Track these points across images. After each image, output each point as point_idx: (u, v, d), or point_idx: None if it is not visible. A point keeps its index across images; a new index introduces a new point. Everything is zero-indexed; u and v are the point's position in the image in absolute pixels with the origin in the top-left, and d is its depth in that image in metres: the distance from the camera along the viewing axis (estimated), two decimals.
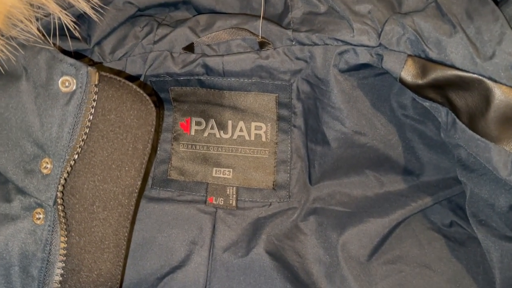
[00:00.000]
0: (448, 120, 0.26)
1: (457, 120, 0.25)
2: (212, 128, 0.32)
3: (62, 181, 0.22)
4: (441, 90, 0.25)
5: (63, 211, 0.22)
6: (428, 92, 0.26)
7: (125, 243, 0.24)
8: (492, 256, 0.27)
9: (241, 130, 0.31)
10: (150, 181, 0.31)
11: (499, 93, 0.23)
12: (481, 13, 0.24)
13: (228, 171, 0.31)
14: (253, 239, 0.29)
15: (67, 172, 0.22)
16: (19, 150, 0.23)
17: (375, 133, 0.30)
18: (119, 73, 0.29)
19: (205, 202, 0.30)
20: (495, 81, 0.23)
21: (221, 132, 0.32)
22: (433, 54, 0.25)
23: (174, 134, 0.32)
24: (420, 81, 0.25)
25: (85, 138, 0.23)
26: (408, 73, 0.26)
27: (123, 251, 0.24)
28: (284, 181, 0.31)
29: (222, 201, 0.30)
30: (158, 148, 0.32)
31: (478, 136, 0.24)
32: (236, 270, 0.28)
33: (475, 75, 0.24)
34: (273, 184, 0.31)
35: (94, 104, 0.23)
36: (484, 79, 0.23)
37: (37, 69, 0.23)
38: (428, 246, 0.30)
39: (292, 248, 0.29)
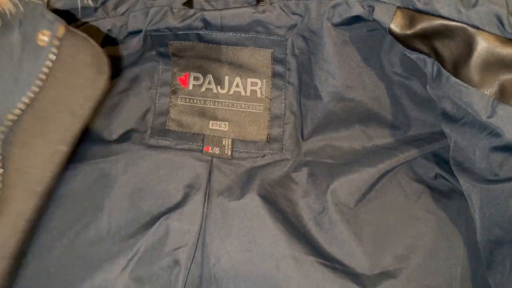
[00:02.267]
0: (434, 70, 0.27)
1: (442, 69, 0.27)
2: (209, 83, 0.33)
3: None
4: (427, 40, 0.27)
5: None
6: (415, 43, 0.27)
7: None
8: (473, 201, 0.28)
9: (237, 85, 0.33)
10: (148, 131, 0.33)
11: (481, 40, 0.25)
12: None
13: (224, 124, 0.33)
14: (247, 184, 0.31)
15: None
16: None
17: (364, 88, 0.32)
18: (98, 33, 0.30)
19: (201, 151, 0.32)
20: (478, 28, 0.25)
21: (218, 87, 0.33)
22: (420, 5, 0.26)
23: (173, 88, 0.33)
24: (408, 32, 0.27)
25: (40, 85, 0.24)
26: (397, 24, 0.27)
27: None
28: (278, 135, 0.33)
29: (217, 151, 0.32)
30: (157, 101, 0.33)
31: (461, 82, 0.26)
32: (230, 212, 0.29)
33: (459, 23, 0.25)
34: (267, 137, 0.33)
35: (54, 56, 0.24)
36: (468, 27, 0.25)
37: (27, 23, 0.24)
38: (413, 196, 0.32)
39: (283, 195, 0.31)
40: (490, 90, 0.25)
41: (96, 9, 0.30)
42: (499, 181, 0.26)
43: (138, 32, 0.31)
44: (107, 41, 0.31)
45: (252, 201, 0.29)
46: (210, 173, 0.31)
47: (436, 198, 0.32)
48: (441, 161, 0.33)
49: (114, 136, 0.33)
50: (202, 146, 0.32)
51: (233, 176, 0.31)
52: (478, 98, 0.25)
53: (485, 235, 0.28)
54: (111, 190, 0.29)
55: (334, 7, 0.28)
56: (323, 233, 0.30)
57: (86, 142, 0.32)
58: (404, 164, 0.33)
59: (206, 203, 0.30)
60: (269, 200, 0.30)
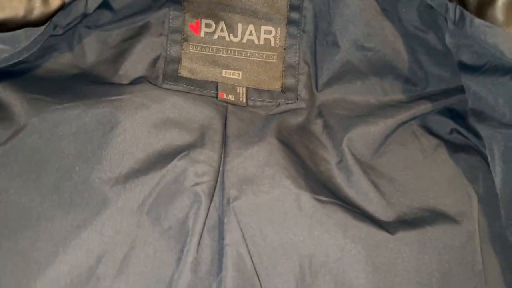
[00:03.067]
0: (456, 15, 0.27)
1: (465, 12, 0.26)
2: (222, 30, 0.32)
3: None
4: None
5: None
6: None
7: None
8: (495, 151, 0.28)
9: (250, 34, 0.32)
10: (160, 77, 0.32)
11: None
12: None
13: (237, 73, 0.32)
14: (263, 130, 0.30)
15: None
16: None
17: (384, 38, 0.31)
18: None
19: (216, 97, 0.31)
20: None
21: (231, 35, 0.32)
22: None
23: (184, 35, 0.32)
24: None
25: None
26: None
27: None
28: (292, 85, 0.32)
29: (232, 97, 0.31)
30: (168, 48, 0.32)
31: (486, 23, 0.25)
32: (248, 155, 0.28)
33: None
34: (282, 87, 0.32)
35: None
36: None
37: None
38: (429, 149, 0.31)
39: (301, 143, 0.30)
40: None
41: None
42: None
43: None
44: None
45: (270, 145, 0.29)
46: (226, 117, 0.30)
47: (452, 151, 0.31)
48: (456, 116, 0.32)
49: (125, 82, 0.32)
50: (217, 93, 0.31)
51: (249, 122, 0.30)
52: (503, 38, 0.25)
53: (505, 185, 0.28)
54: (122, 128, 0.28)
55: None
56: (341, 180, 0.29)
57: (94, 83, 0.31)
58: (419, 118, 0.32)
59: (223, 145, 0.29)
60: (287, 145, 0.29)
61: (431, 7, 0.29)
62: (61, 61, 0.33)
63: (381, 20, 0.30)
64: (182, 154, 0.27)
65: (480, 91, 0.28)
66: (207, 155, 0.28)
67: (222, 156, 0.28)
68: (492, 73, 0.27)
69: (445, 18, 0.28)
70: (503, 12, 0.25)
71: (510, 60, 0.24)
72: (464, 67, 0.29)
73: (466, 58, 0.29)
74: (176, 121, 0.29)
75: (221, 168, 0.28)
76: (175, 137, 0.28)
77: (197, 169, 0.27)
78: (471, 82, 0.29)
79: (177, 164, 0.27)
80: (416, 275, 0.27)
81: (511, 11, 0.25)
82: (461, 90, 0.32)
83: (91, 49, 0.33)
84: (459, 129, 0.32)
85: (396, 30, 0.31)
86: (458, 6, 0.27)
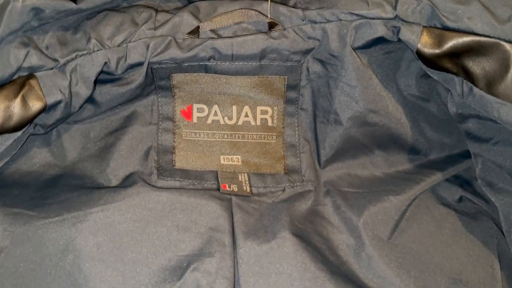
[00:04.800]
0: (464, 89, 0.26)
1: (474, 88, 0.26)
2: (215, 114, 0.30)
3: None
4: (457, 59, 0.26)
5: None
6: (444, 62, 0.26)
7: None
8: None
9: (246, 115, 0.30)
10: (155, 172, 0.29)
11: None
12: None
13: (236, 158, 0.30)
14: (274, 223, 0.28)
15: None
16: None
17: (387, 111, 0.30)
18: None
19: (218, 189, 0.29)
20: None
21: (225, 118, 0.30)
22: (450, 23, 0.25)
23: (175, 123, 0.30)
24: (437, 50, 0.26)
25: None
26: (425, 43, 0.26)
27: None
28: (295, 165, 0.31)
29: (236, 188, 0.29)
30: (159, 138, 0.30)
31: (498, 100, 0.25)
32: (264, 256, 0.26)
33: (493, 39, 0.24)
34: (284, 169, 0.30)
35: None
36: (503, 42, 0.24)
37: None
38: (443, 222, 0.30)
39: (315, 231, 0.28)
40: None
41: (88, 39, 0.26)
42: None
43: (139, 65, 0.27)
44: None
45: (286, 241, 0.26)
46: (232, 213, 0.28)
47: (465, 221, 0.30)
48: (464, 182, 0.32)
49: (114, 182, 0.29)
50: (218, 184, 0.29)
51: (257, 215, 0.28)
52: None
53: None
54: (116, 242, 0.25)
55: (356, 28, 0.27)
56: (363, 269, 0.27)
57: (79, 188, 0.28)
58: (428, 189, 0.31)
59: (234, 247, 0.26)
60: (303, 238, 0.27)
61: (429, 75, 0.28)
62: (38, 162, 0.30)
63: (382, 94, 0.30)
64: (192, 267, 0.25)
65: (492, 161, 0.28)
66: (219, 266, 0.25)
67: (236, 263, 0.26)
68: (504, 145, 0.26)
69: (449, 90, 0.28)
70: None
71: None
72: (471, 136, 0.29)
73: (473, 128, 0.28)
74: (180, 227, 0.26)
75: (236, 276, 0.25)
76: (181, 246, 0.25)
77: (211, 283, 0.24)
78: (481, 151, 0.28)
79: (189, 279, 0.24)
80: None
81: None
82: (464, 155, 0.32)
83: (71, 146, 0.30)
84: (467, 196, 0.31)
85: (397, 101, 0.30)
86: (465, 81, 0.26)
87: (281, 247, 0.26)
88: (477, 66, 0.25)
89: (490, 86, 0.25)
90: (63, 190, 0.28)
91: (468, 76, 0.26)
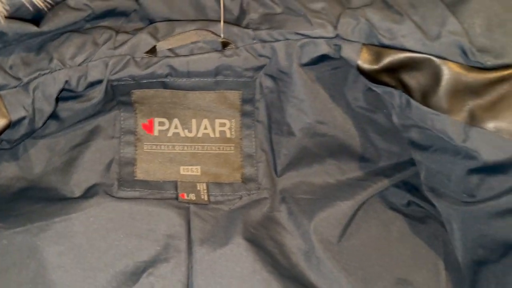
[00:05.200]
0: (402, 101, 0.28)
1: (411, 100, 0.28)
2: (176, 127, 0.32)
3: None
4: (394, 74, 0.28)
5: None
6: (383, 77, 0.28)
7: None
8: (453, 225, 0.29)
9: (205, 128, 0.32)
10: (116, 183, 0.31)
11: (447, 69, 0.26)
12: (423, 2, 0.27)
13: (195, 168, 0.32)
14: (229, 229, 0.29)
15: None
16: None
17: (335, 123, 0.32)
18: None
19: (176, 198, 0.30)
20: (443, 58, 0.26)
21: (186, 130, 0.32)
22: (386, 40, 0.27)
23: (137, 136, 0.32)
24: (376, 66, 0.28)
25: None
26: (364, 60, 0.28)
27: None
28: (252, 174, 0.32)
29: (194, 197, 0.30)
30: (121, 151, 0.31)
31: (432, 111, 0.27)
32: (217, 261, 0.28)
33: (425, 55, 0.26)
34: (242, 178, 0.32)
35: None
36: (433, 57, 0.26)
37: None
38: (391, 225, 0.32)
39: (268, 236, 0.30)
40: (461, 115, 0.26)
41: (50, 59, 0.28)
42: (478, 202, 0.27)
43: (98, 82, 0.29)
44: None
45: (239, 246, 0.28)
46: (189, 221, 0.29)
47: (412, 224, 0.32)
48: (412, 188, 0.34)
49: (77, 193, 0.30)
50: (177, 194, 0.31)
51: (214, 222, 0.30)
52: (450, 124, 0.26)
53: (468, 256, 0.29)
54: (79, 250, 0.26)
55: (301, 46, 0.29)
56: (313, 271, 0.29)
57: (44, 200, 0.29)
58: (377, 195, 0.33)
59: (189, 254, 0.28)
60: (256, 243, 0.29)
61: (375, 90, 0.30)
62: (5, 175, 0.31)
63: (331, 107, 0.32)
64: (148, 271, 0.26)
65: (432, 168, 0.30)
66: (175, 270, 0.27)
67: (190, 268, 0.27)
68: (442, 152, 0.28)
69: (392, 103, 0.30)
70: (446, 100, 0.26)
71: (459, 145, 0.26)
72: (414, 145, 0.31)
73: (415, 137, 0.30)
74: (137, 235, 0.28)
75: (189, 281, 0.27)
76: (138, 253, 0.27)
77: (165, 287, 0.26)
78: (422, 159, 0.30)
79: (144, 284, 0.26)
80: None
81: (453, 98, 0.26)
82: (412, 163, 0.34)
83: (38, 159, 0.31)
84: (415, 200, 0.33)
85: (345, 113, 0.32)
86: (403, 94, 0.28)
87: (233, 252, 0.28)
88: (412, 80, 0.27)
89: (425, 98, 0.27)
90: (29, 202, 0.29)
91: (406, 89, 0.28)
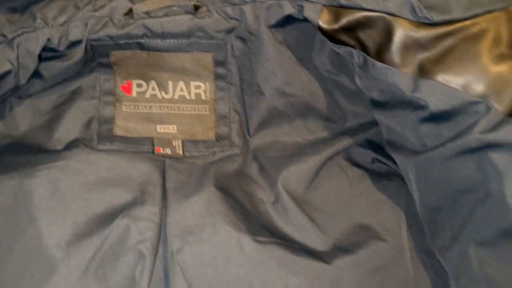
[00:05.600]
0: (360, 60, 0.31)
1: (367, 57, 0.30)
2: (153, 89, 0.34)
3: None
4: (352, 33, 0.30)
5: None
6: (342, 36, 0.30)
7: None
8: (409, 174, 0.31)
9: (181, 90, 0.34)
10: (95, 138, 0.33)
11: (398, 26, 0.28)
12: None
13: (172, 127, 0.34)
14: (202, 179, 0.31)
15: None
16: None
17: (302, 84, 0.34)
18: None
19: (153, 152, 0.32)
20: (394, 15, 0.28)
21: (162, 92, 0.34)
22: (344, 1, 0.29)
23: (116, 96, 0.34)
24: (335, 26, 0.30)
25: None
26: (324, 20, 0.30)
27: None
28: (226, 133, 0.34)
29: (169, 151, 0.32)
30: (101, 110, 0.34)
31: (385, 65, 0.29)
32: (189, 206, 0.30)
33: (378, 13, 0.29)
34: (216, 136, 0.34)
35: None
36: (386, 15, 0.28)
37: None
38: (356, 180, 0.34)
39: (239, 188, 0.32)
40: (411, 68, 0.28)
41: (34, 19, 0.30)
42: (429, 150, 0.29)
43: (79, 42, 0.31)
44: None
45: (209, 193, 0.30)
46: (164, 172, 0.31)
47: (376, 179, 0.34)
48: (376, 147, 0.36)
49: (59, 147, 0.32)
50: (153, 148, 0.33)
51: (187, 173, 0.32)
52: (401, 77, 0.28)
53: (423, 205, 0.31)
54: (60, 195, 0.29)
55: (268, 8, 0.31)
56: (280, 218, 0.31)
57: (28, 152, 0.31)
58: (343, 153, 0.35)
59: (164, 199, 0.30)
60: (226, 192, 0.31)
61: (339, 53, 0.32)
62: None
63: (298, 69, 0.34)
64: (123, 213, 0.28)
65: (390, 123, 0.32)
66: (149, 211, 0.29)
67: (163, 210, 0.29)
68: (397, 107, 0.31)
69: (352, 63, 0.32)
70: (398, 55, 0.28)
71: (409, 96, 0.28)
72: (375, 103, 0.33)
73: (375, 95, 0.32)
74: (114, 182, 0.30)
75: (162, 222, 0.29)
76: (115, 197, 0.29)
77: (139, 227, 0.28)
78: (381, 116, 0.32)
79: (119, 224, 0.28)
80: None
81: (404, 53, 0.28)
82: (376, 122, 0.36)
83: (23, 118, 0.33)
84: (379, 158, 0.35)
85: (312, 76, 0.35)
86: (361, 52, 0.30)
87: (204, 198, 0.30)
88: (368, 38, 0.30)
89: (379, 54, 0.29)
90: (14, 155, 0.31)
91: (363, 47, 0.30)
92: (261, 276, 0.28)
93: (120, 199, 0.29)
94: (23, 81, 0.31)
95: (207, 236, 0.28)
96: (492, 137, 0.26)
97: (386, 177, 0.35)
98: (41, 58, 0.31)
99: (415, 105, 0.29)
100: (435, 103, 0.28)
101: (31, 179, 0.29)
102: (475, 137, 0.26)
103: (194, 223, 0.29)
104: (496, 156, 0.26)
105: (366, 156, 0.35)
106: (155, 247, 0.28)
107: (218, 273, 0.28)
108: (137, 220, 0.28)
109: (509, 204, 0.26)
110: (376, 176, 0.35)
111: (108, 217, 0.28)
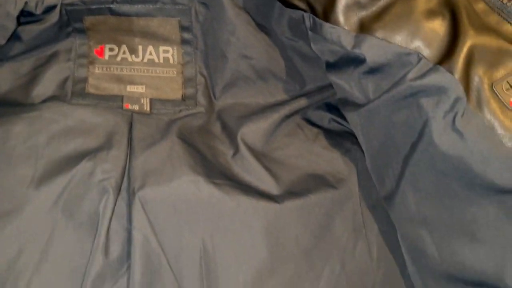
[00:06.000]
0: (311, 22, 0.33)
1: (316, 19, 0.33)
2: (124, 53, 0.37)
3: None
4: None
5: None
6: (294, 0, 0.33)
7: None
8: (358, 128, 0.34)
9: (150, 53, 0.37)
10: (69, 95, 0.36)
11: None
12: None
13: (141, 87, 0.37)
14: (166, 131, 0.34)
15: None
16: None
17: (262, 49, 0.37)
18: None
19: (122, 108, 0.35)
20: None
21: (133, 56, 0.37)
22: None
23: (90, 59, 0.37)
24: None
25: None
26: None
27: None
28: (192, 94, 0.37)
29: (137, 107, 0.35)
30: (75, 71, 0.37)
31: (330, 25, 0.32)
32: (152, 152, 0.33)
33: None
34: (182, 96, 0.37)
35: None
36: None
37: None
38: (312, 137, 0.37)
39: (201, 141, 0.35)
40: (353, 27, 0.31)
41: None
42: (370, 102, 0.32)
43: (54, 6, 0.34)
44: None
45: (172, 142, 0.33)
46: (131, 124, 0.34)
47: (331, 137, 0.37)
48: (333, 108, 0.39)
49: (36, 102, 0.35)
50: (122, 104, 0.36)
51: (153, 127, 0.35)
52: (344, 35, 0.31)
53: (370, 155, 0.34)
54: (35, 140, 0.31)
55: None
56: (237, 167, 0.34)
57: (8, 107, 0.34)
58: (301, 113, 0.38)
59: (129, 147, 0.33)
60: (188, 142, 0.34)
61: (297, 20, 0.35)
62: None
63: (258, 34, 0.36)
64: (90, 156, 0.31)
65: (340, 82, 0.34)
66: (114, 155, 0.32)
67: (128, 155, 0.32)
68: (344, 65, 0.33)
69: (305, 27, 0.35)
70: (342, 15, 0.31)
71: (352, 52, 0.31)
72: (328, 66, 0.35)
73: (328, 57, 0.35)
74: (84, 130, 0.33)
75: (127, 166, 0.32)
76: (83, 143, 0.32)
77: (104, 167, 0.31)
78: (333, 77, 0.35)
79: (86, 165, 0.31)
80: (303, 238, 0.32)
81: (346, 13, 0.31)
82: (332, 86, 0.39)
83: (5, 79, 0.36)
84: (335, 118, 0.38)
85: (272, 41, 0.37)
86: (310, 15, 0.33)
87: (167, 145, 0.33)
88: (316, 1, 0.33)
89: (326, 16, 0.32)
90: None
91: (313, 11, 0.33)
92: (216, 214, 0.31)
93: (88, 144, 0.32)
94: (2, 41, 0.34)
95: (167, 177, 0.31)
96: (421, 83, 0.28)
97: (340, 135, 0.38)
98: (20, 22, 0.34)
99: (357, 61, 0.31)
100: (373, 57, 0.30)
101: (8, 125, 0.32)
102: (407, 84, 0.29)
103: (155, 167, 0.32)
104: (424, 101, 0.28)
105: (323, 117, 0.38)
106: (118, 184, 0.30)
107: (175, 209, 0.30)
108: (102, 162, 0.31)
109: (437, 143, 0.28)
110: (331, 134, 0.37)
111: (76, 159, 0.31)
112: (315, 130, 0.38)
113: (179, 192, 0.31)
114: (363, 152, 0.36)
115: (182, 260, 0.30)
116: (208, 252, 0.30)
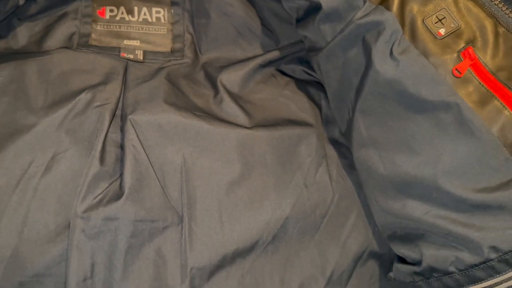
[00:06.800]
0: None
1: None
2: (122, 13, 0.43)
3: None
4: None
5: None
6: None
7: None
8: (321, 70, 0.39)
9: (145, 14, 0.43)
10: (75, 45, 0.42)
11: None
12: None
13: (136, 41, 0.43)
14: (156, 74, 0.40)
15: None
16: None
17: (240, 8, 0.43)
18: None
19: (119, 55, 0.41)
20: None
21: (130, 16, 0.43)
22: None
23: (93, 18, 0.43)
24: None
25: None
26: None
27: None
28: (179, 48, 0.43)
29: (132, 56, 0.41)
30: (81, 28, 0.43)
31: None
32: (142, 87, 0.38)
33: None
34: (171, 49, 0.43)
35: None
36: None
37: None
38: (283, 84, 0.42)
39: (186, 84, 0.41)
40: None
41: None
42: (328, 44, 0.37)
43: None
44: None
45: (160, 82, 0.39)
46: (126, 67, 0.40)
47: (300, 85, 0.43)
48: (303, 61, 0.44)
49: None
50: (119, 53, 0.42)
51: (145, 71, 0.41)
52: None
53: (331, 94, 0.39)
54: (47, 75, 0.38)
55: None
56: (216, 106, 0.40)
57: (22, 55, 0.40)
58: (275, 65, 0.43)
59: (124, 83, 0.39)
60: (174, 83, 0.40)
61: None
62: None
63: None
64: (87, 91, 0.37)
65: (306, 33, 0.40)
66: (110, 88, 0.38)
67: (122, 89, 0.38)
68: (307, 16, 0.39)
69: None
70: None
71: (312, 2, 0.36)
72: (297, 21, 0.41)
73: (296, 14, 0.41)
74: (86, 70, 0.39)
75: (121, 96, 0.38)
76: (85, 80, 0.38)
77: (102, 96, 0.37)
78: (301, 30, 0.40)
79: (87, 95, 0.37)
80: (271, 158, 0.37)
81: None
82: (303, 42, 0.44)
83: (22, 35, 0.43)
84: (305, 70, 0.44)
85: (250, 2, 0.43)
86: None
87: (155, 84, 0.39)
88: None
89: None
90: (12, 55, 0.41)
91: None
92: (195, 134, 0.36)
93: (90, 81, 0.38)
94: (21, 1, 0.40)
95: (154, 104, 0.37)
96: (366, 21, 0.34)
97: (309, 83, 0.43)
98: None
99: (315, 8, 0.37)
100: (326, 2, 0.36)
101: (24, 65, 0.38)
102: (355, 24, 0.34)
103: (145, 97, 0.38)
104: (368, 35, 0.34)
105: (295, 69, 0.44)
106: (113, 109, 0.36)
107: (161, 130, 0.36)
108: (101, 92, 0.37)
109: (379, 71, 0.33)
110: (300, 82, 0.43)
111: (79, 91, 0.37)
112: (286, 78, 0.43)
113: (164, 116, 0.36)
114: (327, 98, 0.42)
115: (165, 170, 0.35)
116: (188, 164, 0.35)
